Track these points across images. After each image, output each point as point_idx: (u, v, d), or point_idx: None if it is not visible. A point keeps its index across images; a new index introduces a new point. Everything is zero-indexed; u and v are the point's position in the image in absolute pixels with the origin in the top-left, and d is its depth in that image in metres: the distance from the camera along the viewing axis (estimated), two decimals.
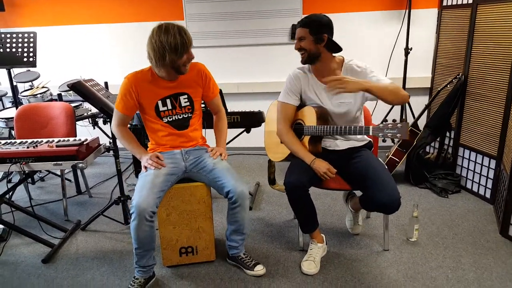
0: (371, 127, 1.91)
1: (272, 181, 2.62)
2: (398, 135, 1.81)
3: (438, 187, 3.03)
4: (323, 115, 2.10)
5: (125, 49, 3.99)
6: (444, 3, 3.35)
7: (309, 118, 2.11)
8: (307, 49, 2.00)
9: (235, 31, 3.84)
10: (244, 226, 2.06)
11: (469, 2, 2.98)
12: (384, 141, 1.99)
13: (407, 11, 3.47)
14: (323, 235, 2.26)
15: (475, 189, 2.99)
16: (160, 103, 2.03)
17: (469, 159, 3.02)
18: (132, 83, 1.98)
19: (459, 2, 3.14)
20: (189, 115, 2.10)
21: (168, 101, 2.04)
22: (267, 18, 3.78)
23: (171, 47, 1.81)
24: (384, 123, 1.88)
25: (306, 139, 2.14)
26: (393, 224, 2.56)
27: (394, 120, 1.89)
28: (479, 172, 2.93)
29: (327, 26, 1.99)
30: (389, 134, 1.83)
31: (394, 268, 2.11)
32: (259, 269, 2.07)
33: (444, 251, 2.26)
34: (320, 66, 2.08)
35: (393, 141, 3.66)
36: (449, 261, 2.16)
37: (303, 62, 2.07)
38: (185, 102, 2.07)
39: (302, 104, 2.19)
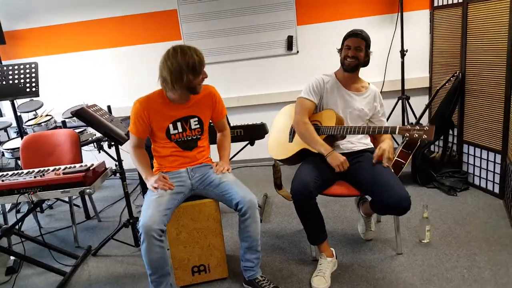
0: (397, 126, 1.99)
1: (278, 186, 2.62)
2: (424, 136, 1.90)
3: (446, 186, 3.01)
4: (341, 120, 2.20)
5: (126, 72, 4.04)
6: (435, 4, 3.39)
7: (328, 119, 2.18)
8: (360, 60, 2.16)
9: (232, 46, 3.89)
10: (257, 242, 2.02)
11: (459, 1, 3.02)
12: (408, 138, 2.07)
13: (399, 14, 3.51)
14: (332, 249, 2.21)
15: (483, 185, 2.97)
16: (171, 126, 2.05)
17: (474, 155, 3.02)
18: (144, 108, 2.01)
19: (450, 2, 3.18)
20: (198, 137, 2.13)
21: (178, 124, 2.06)
22: (262, 32, 3.83)
23: (189, 67, 1.86)
24: (410, 124, 1.98)
25: (322, 137, 2.17)
26: (404, 227, 2.54)
27: (419, 124, 2.00)
28: (485, 168, 2.93)
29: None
30: (415, 134, 1.91)
31: (409, 272, 2.10)
32: None
33: (458, 250, 2.24)
34: (350, 76, 2.23)
35: (397, 143, 3.67)
36: (463, 260, 2.14)
37: (348, 69, 2.19)
38: (195, 125, 2.09)
39: (318, 108, 2.28)
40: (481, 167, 2.97)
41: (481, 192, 2.96)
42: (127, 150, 2.20)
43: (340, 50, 2.23)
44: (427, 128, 1.90)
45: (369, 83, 2.30)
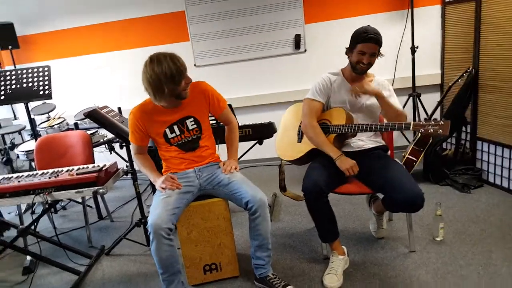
0: (412, 122, 1.95)
1: (283, 188, 2.61)
2: (440, 131, 1.87)
3: (459, 183, 2.97)
4: (350, 117, 2.17)
5: (135, 74, 4.04)
6: None
7: (337, 117, 2.16)
8: (373, 64, 2.12)
9: (240, 46, 3.90)
10: (268, 240, 2.02)
11: None
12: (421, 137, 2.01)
13: (409, 10, 3.47)
14: (344, 246, 2.20)
15: (497, 182, 2.92)
16: (168, 130, 2.06)
17: (488, 152, 2.97)
18: (137, 118, 2.03)
19: None
20: (198, 136, 2.12)
21: (175, 127, 2.06)
22: (270, 31, 3.83)
23: (167, 77, 1.79)
24: (425, 119, 1.93)
25: (331, 137, 2.16)
26: (417, 225, 2.51)
27: (433, 119, 1.95)
28: (500, 164, 2.87)
29: None
30: (430, 130, 1.87)
31: (423, 270, 2.07)
32: None
33: (472, 248, 2.20)
34: (359, 77, 2.18)
35: (408, 140, 3.63)
36: (479, 258, 2.11)
37: (360, 72, 2.15)
38: (192, 125, 2.09)
39: (326, 105, 2.25)
40: (495, 164, 2.91)
41: (496, 189, 2.91)
42: (133, 159, 2.24)
43: (349, 50, 2.14)
44: (442, 123, 1.86)
45: (374, 75, 2.26)
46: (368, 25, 2.11)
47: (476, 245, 2.23)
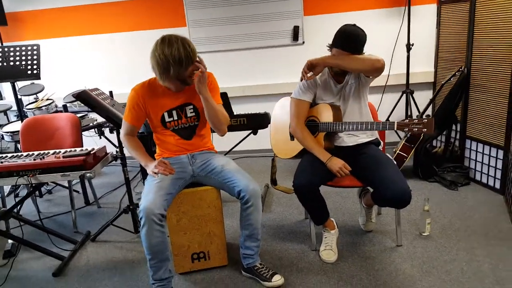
0: (396, 122, 1.93)
1: (274, 182, 2.60)
2: (424, 129, 1.84)
3: (447, 180, 3.01)
4: (338, 113, 2.13)
5: (129, 58, 4.00)
6: None
7: (325, 114, 2.13)
8: None
9: (238, 35, 3.86)
10: (258, 231, 2.02)
11: None
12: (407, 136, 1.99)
13: (406, 7, 3.47)
14: (332, 219, 2.31)
15: (484, 180, 2.97)
16: (166, 114, 2.03)
17: (476, 151, 3.01)
18: (139, 95, 1.99)
19: None
20: (196, 124, 2.09)
21: (174, 112, 2.04)
22: (269, 21, 3.79)
23: (175, 60, 1.78)
24: (409, 118, 1.91)
25: (321, 135, 2.15)
26: (405, 219, 2.54)
27: (417, 116, 1.92)
28: (487, 163, 2.92)
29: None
30: (415, 129, 1.86)
31: (409, 264, 2.10)
32: (277, 279, 2.00)
33: (457, 244, 2.24)
34: (342, 73, 2.12)
35: (399, 136, 3.66)
36: (463, 254, 2.15)
37: (337, 73, 2.11)
38: (190, 112, 2.06)
39: (313, 103, 2.20)
40: (483, 163, 2.96)
41: (482, 188, 2.96)
42: (121, 140, 2.17)
43: (329, 47, 2.08)
44: (426, 121, 1.85)
45: None
46: (354, 26, 2.03)
47: (461, 241, 2.26)
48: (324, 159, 2.06)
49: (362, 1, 3.69)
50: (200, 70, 1.85)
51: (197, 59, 1.86)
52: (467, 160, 3.11)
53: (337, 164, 2.03)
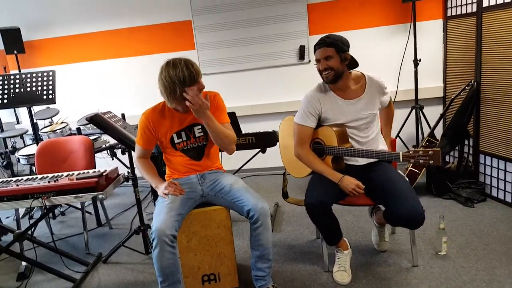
0: (400, 153, 1.89)
1: (285, 195, 2.58)
2: (431, 162, 1.80)
3: (462, 197, 2.94)
4: (342, 134, 2.09)
5: (140, 81, 4.10)
6: (449, 14, 3.37)
7: (329, 138, 2.10)
8: (335, 68, 1.99)
9: (245, 56, 3.93)
10: (269, 251, 1.99)
11: (473, 11, 2.99)
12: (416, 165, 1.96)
13: (412, 24, 3.49)
14: (345, 239, 2.25)
15: (501, 196, 2.89)
16: (175, 135, 2.07)
17: (491, 166, 2.94)
18: (149, 120, 2.04)
19: (463, 12, 3.15)
20: (204, 143, 2.11)
21: (182, 133, 2.07)
22: (275, 42, 3.86)
23: (180, 80, 1.84)
24: (413, 149, 1.87)
25: (329, 158, 2.12)
26: (420, 238, 2.48)
27: (418, 144, 1.88)
28: (503, 179, 2.85)
29: (348, 45, 2.03)
30: (421, 161, 1.82)
31: (426, 285, 2.03)
32: None
33: (476, 264, 2.17)
34: (341, 84, 2.08)
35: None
36: (482, 274, 2.07)
37: (329, 81, 2.05)
38: (199, 132, 2.09)
39: (319, 124, 2.17)
40: (499, 178, 2.89)
41: (499, 204, 2.88)
42: (135, 163, 2.22)
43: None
44: (432, 153, 1.80)
45: (363, 74, 2.12)
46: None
47: (480, 261, 2.19)
48: (336, 180, 2.03)
49: (367, 19, 3.73)
50: (190, 103, 1.86)
51: (188, 92, 1.87)
52: (482, 176, 3.05)
53: (350, 184, 1.99)
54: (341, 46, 1.98)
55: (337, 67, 1.99)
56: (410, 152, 1.86)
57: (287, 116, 2.44)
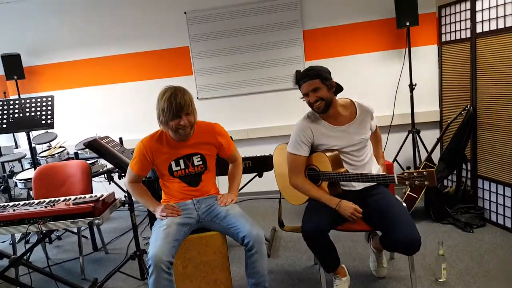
0: (395, 175, 1.89)
1: (281, 224, 2.55)
2: (426, 182, 1.80)
3: (461, 222, 2.92)
4: (336, 159, 2.09)
5: (138, 106, 4.15)
6: (443, 39, 3.44)
7: (324, 164, 2.10)
8: (325, 97, 2.02)
9: (242, 80, 3.99)
10: (265, 278, 1.96)
11: (467, 36, 3.06)
12: (412, 186, 1.95)
13: (407, 49, 3.56)
14: (343, 266, 2.23)
15: (500, 221, 2.87)
16: (173, 163, 2.08)
17: (489, 191, 2.94)
18: (146, 147, 2.05)
19: (457, 37, 3.22)
20: (202, 171, 2.13)
21: (181, 161, 2.08)
22: (271, 67, 3.93)
23: (164, 110, 1.90)
24: (407, 171, 1.87)
25: (325, 184, 2.12)
26: (419, 264, 2.44)
27: (415, 168, 1.88)
28: (502, 203, 2.84)
29: (329, 73, 2.07)
30: (416, 182, 1.81)
31: None
32: None
33: None
34: (331, 111, 2.09)
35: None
36: None
37: (321, 111, 2.06)
38: (198, 161, 2.10)
39: (312, 150, 2.17)
40: (497, 203, 2.88)
41: (499, 229, 2.85)
42: (126, 187, 2.23)
43: (302, 94, 2.09)
44: (427, 173, 1.79)
45: (352, 101, 2.15)
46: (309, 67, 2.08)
47: None
48: (334, 205, 2.03)
49: (363, 45, 3.80)
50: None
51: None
52: (481, 200, 3.04)
53: (349, 209, 1.99)
54: (324, 75, 2.02)
55: (326, 96, 2.02)
56: (405, 174, 1.86)
57: (280, 144, 2.45)
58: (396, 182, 1.89)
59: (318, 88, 2.00)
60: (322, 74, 2.01)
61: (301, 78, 2.05)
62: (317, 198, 2.09)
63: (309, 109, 2.16)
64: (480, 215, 2.96)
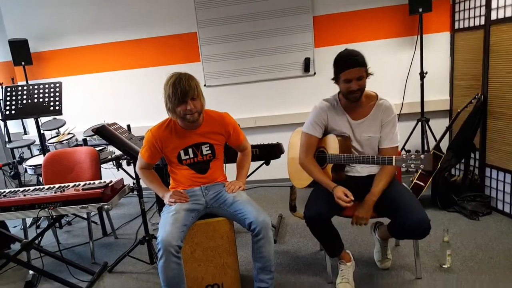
0: (394, 157, 1.89)
1: (293, 208, 2.59)
2: (421, 166, 1.79)
3: (467, 210, 2.92)
4: (345, 144, 2.10)
5: (146, 93, 4.16)
6: (456, 26, 3.38)
7: (332, 146, 2.12)
8: (364, 86, 1.98)
9: (250, 68, 3.96)
10: (271, 263, 2.00)
11: (481, 24, 3.00)
12: (407, 171, 1.95)
13: (419, 36, 3.51)
14: (348, 251, 2.26)
15: (506, 209, 2.87)
16: (182, 152, 2.09)
17: (497, 179, 2.93)
18: (155, 137, 2.06)
19: (471, 25, 3.17)
20: (211, 159, 2.15)
21: (190, 150, 2.10)
22: (280, 54, 3.88)
23: (169, 96, 1.90)
24: (407, 153, 1.86)
25: (329, 166, 2.14)
26: (424, 251, 2.46)
27: (417, 151, 1.87)
28: (509, 192, 2.83)
29: None
30: (412, 165, 1.81)
31: None
32: None
33: (480, 277, 2.15)
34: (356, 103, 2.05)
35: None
36: (486, 287, 2.05)
37: (356, 100, 2.01)
38: (206, 150, 2.12)
39: (325, 133, 2.19)
40: (504, 191, 2.87)
41: (505, 217, 2.86)
42: (137, 173, 2.25)
43: (335, 81, 2.02)
44: (423, 157, 1.79)
45: (377, 96, 2.10)
46: (346, 49, 1.99)
47: (484, 274, 2.18)
48: (330, 188, 2.05)
49: (374, 31, 3.75)
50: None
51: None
52: (487, 189, 3.03)
53: (337, 193, 1.99)
54: (366, 63, 1.96)
55: (365, 85, 1.99)
56: (403, 156, 1.86)
57: (298, 128, 2.44)
58: (394, 163, 1.88)
59: (362, 76, 1.95)
60: (365, 61, 1.95)
61: (345, 62, 1.93)
62: (317, 180, 2.12)
63: (318, 100, 2.16)
64: (486, 204, 2.96)
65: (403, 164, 1.85)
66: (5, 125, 4.32)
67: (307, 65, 3.84)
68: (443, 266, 2.28)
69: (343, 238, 2.16)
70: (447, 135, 3.39)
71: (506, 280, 2.10)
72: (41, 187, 2.38)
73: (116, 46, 4.13)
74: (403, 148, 3.67)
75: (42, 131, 3.48)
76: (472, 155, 3.14)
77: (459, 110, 3.11)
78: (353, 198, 1.98)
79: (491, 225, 2.75)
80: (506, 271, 2.18)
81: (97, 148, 3.09)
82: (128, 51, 4.12)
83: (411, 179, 3.14)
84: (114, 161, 3.32)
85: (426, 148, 3.57)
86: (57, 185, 2.40)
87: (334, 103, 2.13)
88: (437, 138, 3.39)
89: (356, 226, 2.07)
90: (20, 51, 4.00)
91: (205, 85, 4.00)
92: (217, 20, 3.89)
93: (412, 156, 1.82)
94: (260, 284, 2.02)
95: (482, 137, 3.02)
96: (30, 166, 3.28)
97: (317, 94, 3.91)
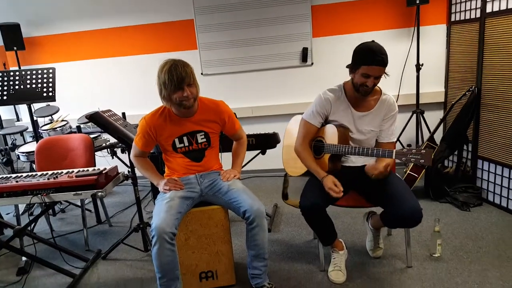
0: (394, 150, 1.89)
1: (285, 196, 2.60)
2: (421, 161, 1.79)
3: (459, 201, 2.97)
4: (344, 135, 2.10)
5: (141, 80, 4.12)
6: (452, 19, 3.39)
7: (331, 136, 2.11)
8: (376, 84, 1.99)
9: (247, 57, 3.93)
10: (265, 251, 2.02)
11: (476, 16, 3.01)
12: (405, 164, 1.95)
13: (415, 28, 3.51)
14: (341, 240, 2.30)
15: (497, 201, 2.92)
16: (177, 140, 2.08)
17: (488, 171, 2.97)
18: (149, 125, 2.05)
19: (467, 17, 3.17)
20: (206, 148, 2.14)
21: (185, 138, 2.09)
22: (278, 43, 3.85)
23: (165, 83, 1.88)
24: (407, 148, 1.87)
25: (327, 156, 2.14)
26: (415, 240, 2.50)
27: (417, 146, 1.87)
28: (500, 184, 2.87)
29: None
30: (412, 159, 1.82)
31: (419, 286, 2.06)
32: None
33: (469, 266, 2.19)
34: (361, 96, 2.05)
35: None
36: (475, 276, 2.10)
37: (367, 94, 2.01)
38: (201, 138, 2.11)
39: (324, 122, 2.19)
40: (495, 183, 2.91)
41: (495, 208, 2.90)
42: (131, 161, 2.25)
43: (352, 69, 1.98)
44: (424, 152, 1.79)
45: (381, 91, 2.10)
46: (373, 41, 1.95)
47: (473, 263, 2.22)
48: (320, 178, 2.05)
49: (371, 23, 3.74)
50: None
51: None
52: (479, 181, 3.07)
53: (327, 183, 1.99)
54: (387, 65, 1.94)
55: (377, 83, 1.99)
56: (404, 150, 1.87)
57: (296, 115, 2.44)
58: (393, 157, 1.89)
59: (380, 76, 1.95)
60: (387, 65, 1.93)
61: (372, 58, 1.88)
62: (309, 168, 2.14)
63: (317, 91, 2.15)
64: (477, 195, 3.01)
65: (403, 158, 1.85)
66: None
67: (305, 55, 3.82)
68: (434, 255, 2.32)
69: (336, 227, 2.19)
70: (441, 127, 3.42)
71: (494, 268, 2.15)
72: (34, 173, 2.37)
73: (110, 32, 4.08)
74: (397, 139, 3.69)
75: (35, 118, 3.44)
76: (465, 147, 3.18)
77: (453, 102, 3.13)
78: (342, 189, 1.98)
79: (482, 216, 2.80)
80: (495, 261, 2.23)
81: (91, 136, 3.07)
82: (123, 38, 4.07)
83: (404, 170, 3.17)
84: (108, 149, 3.30)
85: (420, 139, 3.59)
86: (50, 172, 2.39)
87: (339, 93, 2.11)
88: (431, 130, 3.41)
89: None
90: (12, 35, 3.93)
91: (202, 74, 3.97)
92: (214, 7, 3.84)
93: (413, 150, 1.83)
94: (253, 271, 2.05)
95: (475, 129, 3.05)
96: (23, 153, 3.25)
97: (315, 84, 3.96)
